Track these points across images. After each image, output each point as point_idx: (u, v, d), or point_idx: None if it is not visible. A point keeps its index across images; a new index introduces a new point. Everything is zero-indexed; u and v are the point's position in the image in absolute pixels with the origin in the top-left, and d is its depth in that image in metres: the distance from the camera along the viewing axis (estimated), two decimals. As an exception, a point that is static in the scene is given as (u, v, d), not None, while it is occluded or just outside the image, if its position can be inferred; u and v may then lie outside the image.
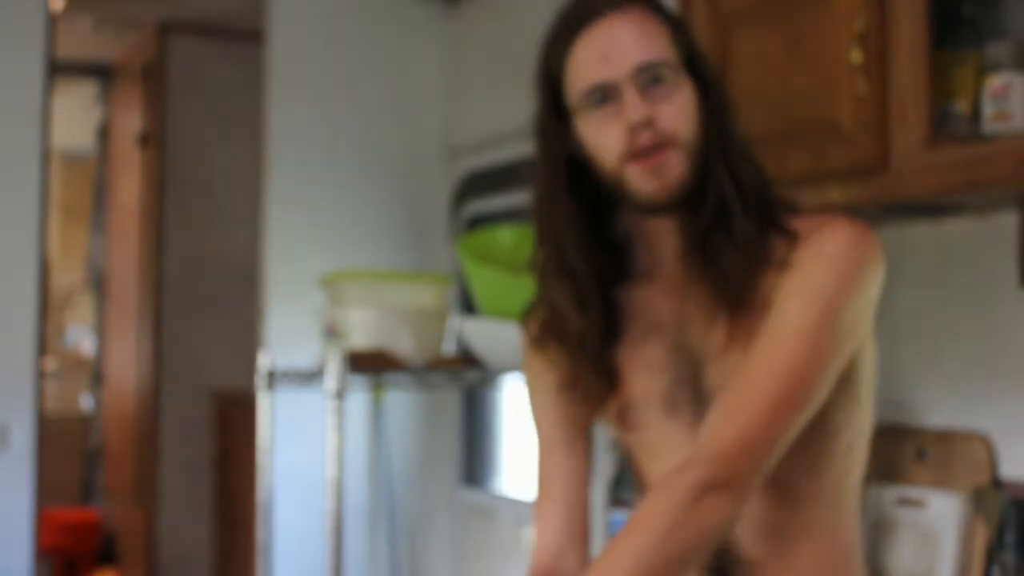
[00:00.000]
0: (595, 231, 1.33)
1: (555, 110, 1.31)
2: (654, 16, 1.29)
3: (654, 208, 1.28)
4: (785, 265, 1.25)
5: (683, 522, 1.15)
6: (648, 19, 1.28)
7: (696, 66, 1.29)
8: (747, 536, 1.30)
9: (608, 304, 1.34)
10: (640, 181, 1.26)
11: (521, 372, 1.49)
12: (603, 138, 1.26)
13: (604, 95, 1.25)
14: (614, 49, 1.25)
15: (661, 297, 1.34)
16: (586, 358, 1.33)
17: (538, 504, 1.41)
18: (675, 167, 1.25)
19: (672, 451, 1.33)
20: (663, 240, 1.32)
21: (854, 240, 1.24)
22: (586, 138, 1.28)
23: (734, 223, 1.26)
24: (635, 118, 1.23)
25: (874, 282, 1.26)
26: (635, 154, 1.25)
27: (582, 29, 1.27)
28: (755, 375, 1.21)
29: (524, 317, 1.44)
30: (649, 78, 1.24)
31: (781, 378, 1.19)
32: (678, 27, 1.31)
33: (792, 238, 1.26)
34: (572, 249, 1.32)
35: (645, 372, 1.34)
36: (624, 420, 1.37)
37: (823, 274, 1.23)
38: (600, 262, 1.33)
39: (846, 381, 1.27)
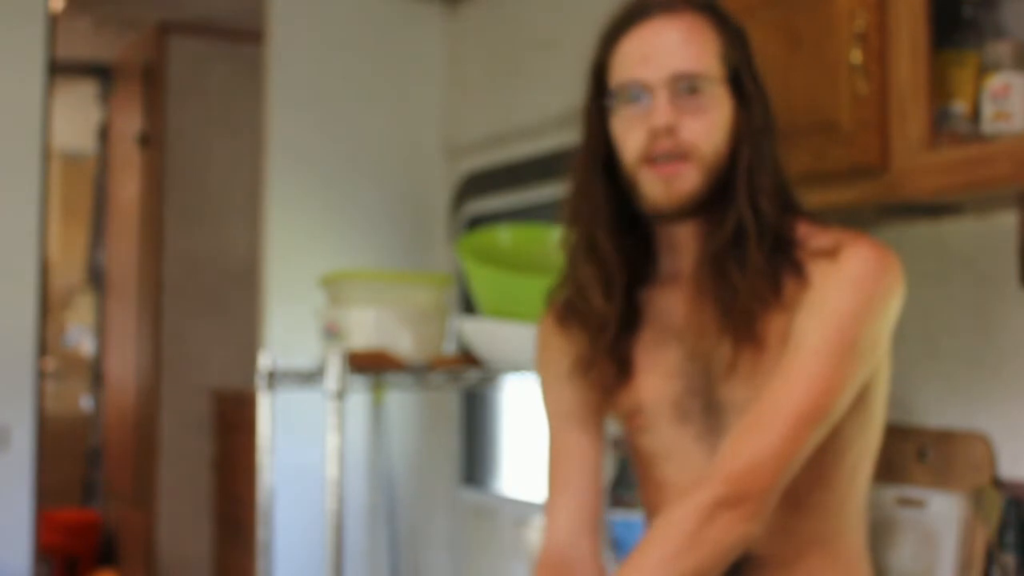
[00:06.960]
0: (626, 219, 1.33)
1: (599, 97, 1.32)
2: (709, 25, 1.28)
3: (660, 215, 1.29)
4: (790, 307, 1.25)
5: (696, 540, 1.16)
6: (700, 27, 1.27)
7: (743, 85, 1.28)
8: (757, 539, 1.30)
9: (631, 296, 1.34)
10: (651, 186, 1.26)
11: (536, 350, 1.47)
12: (627, 135, 1.27)
13: (638, 94, 1.26)
14: (656, 51, 1.25)
15: (680, 302, 1.34)
16: (604, 342, 1.33)
17: (551, 488, 1.40)
18: (688, 180, 1.25)
19: (680, 459, 1.33)
20: (684, 245, 1.32)
21: (875, 263, 1.24)
22: (614, 132, 1.29)
23: (748, 252, 1.26)
24: (658, 123, 1.24)
25: (894, 305, 1.26)
26: (651, 158, 1.25)
27: (631, 26, 1.28)
28: (773, 395, 1.21)
29: (549, 294, 1.44)
30: (685, 87, 1.24)
31: (799, 399, 1.20)
32: (735, 41, 1.29)
33: (802, 279, 1.26)
34: (603, 232, 1.33)
35: (659, 375, 1.34)
36: (634, 422, 1.37)
37: (844, 296, 1.22)
38: (629, 250, 1.34)
39: (860, 400, 1.28)
